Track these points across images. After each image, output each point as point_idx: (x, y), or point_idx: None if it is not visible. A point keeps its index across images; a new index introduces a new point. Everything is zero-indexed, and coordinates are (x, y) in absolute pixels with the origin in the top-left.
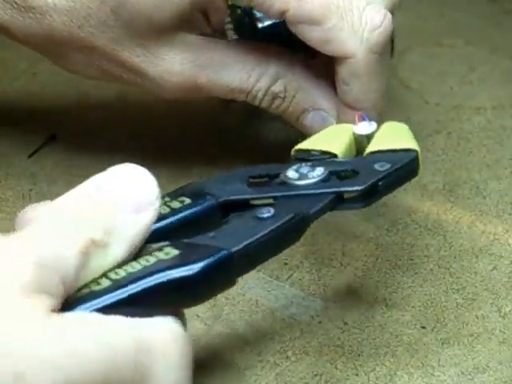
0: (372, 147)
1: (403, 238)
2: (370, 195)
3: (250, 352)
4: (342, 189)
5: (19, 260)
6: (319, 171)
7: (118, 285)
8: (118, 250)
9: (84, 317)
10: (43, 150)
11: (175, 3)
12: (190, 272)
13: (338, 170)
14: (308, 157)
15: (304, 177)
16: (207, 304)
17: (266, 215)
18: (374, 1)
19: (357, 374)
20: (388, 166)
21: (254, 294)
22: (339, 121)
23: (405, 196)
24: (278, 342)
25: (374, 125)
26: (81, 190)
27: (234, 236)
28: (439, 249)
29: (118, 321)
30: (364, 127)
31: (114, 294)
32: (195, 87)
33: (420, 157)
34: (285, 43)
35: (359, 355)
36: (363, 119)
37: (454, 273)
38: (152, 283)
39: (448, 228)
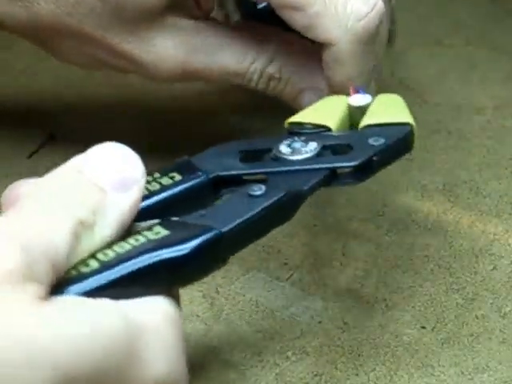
0: (366, 120)
1: (403, 238)
2: (364, 170)
3: (250, 352)
4: (336, 164)
5: (5, 245)
6: (312, 146)
7: (106, 266)
8: (106, 229)
9: (74, 302)
10: (43, 150)
11: None
12: (181, 252)
13: (331, 145)
14: (301, 130)
15: (297, 152)
16: (207, 304)
17: (257, 193)
18: None
19: (357, 374)
20: (382, 140)
21: (254, 294)
22: None
23: (405, 196)
24: (277, 342)
25: (368, 97)
26: (64, 170)
27: (225, 215)
28: (439, 249)
29: (108, 304)
30: (359, 99)
31: (103, 275)
32: (189, 72)
33: (415, 131)
34: (283, 24)
35: (359, 355)
36: (357, 91)
37: (454, 273)
38: (142, 264)
39: (448, 228)
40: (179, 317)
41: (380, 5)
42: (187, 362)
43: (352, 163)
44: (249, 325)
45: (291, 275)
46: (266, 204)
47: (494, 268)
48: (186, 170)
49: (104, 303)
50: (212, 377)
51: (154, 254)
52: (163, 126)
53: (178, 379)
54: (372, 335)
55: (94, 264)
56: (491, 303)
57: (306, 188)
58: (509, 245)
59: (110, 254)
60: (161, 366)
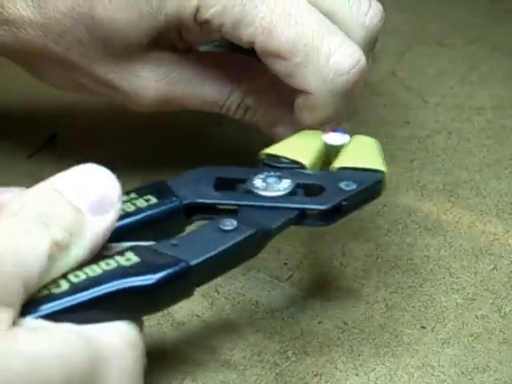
0: (341, 162)
1: (403, 238)
2: (333, 214)
3: (249, 352)
4: (306, 206)
5: None
6: (286, 183)
7: (76, 288)
8: (80, 251)
9: (42, 328)
10: (43, 150)
11: (149, 23)
12: (149, 281)
13: (304, 184)
14: (276, 163)
15: (270, 188)
16: (207, 304)
17: (228, 228)
18: (350, 35)
19: (357, 374)
20: (354, 186)
21: (253, 293)
22: None
23: (405, 196)
24: (277, 342)
25: (346, 137)
26: (43, 188)
27: (196, 247)
28: (439, 249)
29: (73, 331)
30: (335, 138)
31: (72, 297)
32: (170, 102)
33: (386, 178)
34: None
35: (359, 355)
36: (334, 130)
37: (454, 273)
38: (110, 289)
39: (448, 228)
40: (140, 341)
41: (362, 62)
42: None
43: (322, 207)
44: (249, 325)
45: (291, 275)
46: (236, 240)
47: (494, 268)
48: (162, 194)
49: (70, 328)
50: (212, 377)
51: (123, 280)
52: (163, 126)
53: None
54: (372, 335)
55: (64, 285)
56: (491, 303)
57: (274, 227)
58: (509, 245)
59: (82, 276)
60: None
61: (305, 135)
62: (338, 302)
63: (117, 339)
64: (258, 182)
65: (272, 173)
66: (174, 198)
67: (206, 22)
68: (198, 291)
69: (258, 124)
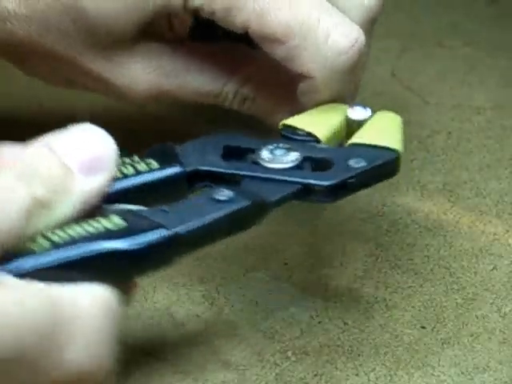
0: (355, 138)
1: (403, 238)
2: (338, 191)
3: (249, 352)
4: (310, 181)
5: None
6: (293, 156)
7: (55, 247)
8: (64, 210)
9: (7, 283)
10: None
11: (136, 13)
12: (128, 247)
13: (313, 158)
14: (292, 135)
15: (276, 160)
16: (207, 304)
17: (222, 198)
18: (349, 14)
19: (357, 374)
20: (363, 163)
21: (254, 294)
22: None
23: (405, 196)
24: (277, 342)
25: (368, 111)
26: (35, 145)
27: (185, 215)
28: (439, 249)
29: (39, 288)
30: (359, 112)
31: (50, 255)
32: (163, 94)
33: (401, 157)
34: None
35: (359, 355)
36: (354, 105)
37: (454, 273)
38: (89, 251)
39: (448, 228)
40: (115, 308)
41: (361, 39)
42: (116, 354)
43: (326, 183)
44: (249, 325)
45: (291, 275)
46: (227, 211)
47: (494, 268)
48: (166, 159)
49: (35, 286)
50: (212, 377)
51: (103, 243)
52: (163, 126)
53: (100, 370)
54: (372, 335)
55: (44, 243)
56: (491, 303)
57: (273, 199)
58: (509, 245)
59: (62, 235)
60: (83, 354)
61: (329, 108)
62: (338, 302)
63: (86, 300)
64: (264, 153)
65: (281, 145)
66: (178, 165)
67: (197, 9)
68: (198, 291)
69: (258, 113)
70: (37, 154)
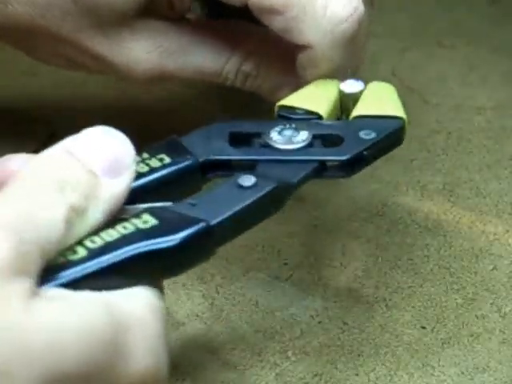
0: (358, 110)
1: (403, 238)
2: (354, 165)
3: (250, 352)
4: (327, 157)
5: None
6: (304, 135)
7: (94, 254)
8: (96, 215)
9: (61, 296)
10: (42, 150)
11: None
12: (169, 243)
13: (322, 135)
14: (292, 115)
15: (288, 141)
16: (207, 304)
17: (247, 184)
18: None
19: (357, 374)
20: (374, 134)
21: (254, 293)
22: None
23: (405, 196)
24: (278, 342)
25: (361, 83)
26: (55, 152)
27: (215, 206)
28: (439, 249)
29: (94, 298)
30: (351, 86)
31: (91, 263)
32: (164, 73)
33: (406, 124)
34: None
35: (359, 355)
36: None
37: (454, 273)
38: (130, 253)
39: (448, 228)
40: (162, 308)
41: (360, 9)
42: (168, 353)
43: (343, 157)
44: (249, 325)
45: (291, 275)
46: (256, 196)
47: (494, 268)
48: (176, 152)
49: (90, 296)
50: (212, 377)
51: (143, 244)
52: (163, 126)
53: (162, 370)
54: (372, 335)
55: (82, 251)
56: (491, 303)
57: (295, 180)
58: (509, 245)
59: (98, 241)
60: (146, 359)
61: (321, 84)
62: (338, 302)
63: (138, 306)
64: (274, 135)
65: (288, 125)
66: (189, 156)
67: None
68: (198, 291)
69: (261, 91)
70: (62, 162)
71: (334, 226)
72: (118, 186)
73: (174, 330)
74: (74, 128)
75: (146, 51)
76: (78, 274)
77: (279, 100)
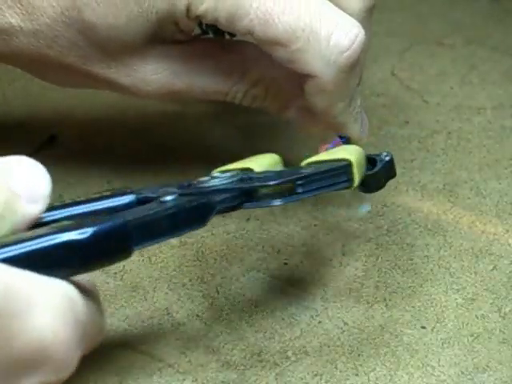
0: (309, 159)
1: (403, 238)
2: (287, 193)
3: (249, 352)
4: (256, 184)
5: None
6: (233, 173)
7: (4, 244)
8: (9, 226)
9: None
10: (43, 151)
11: (141, 23)
12: (82, 236)
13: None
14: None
15: (217, 177)
16: (207, 304)
17: (168, 198)
18: (347, 9)
19: (357, 374)
20: (311, 169)
21: (253, 294)
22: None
23: (405, 196)
24: (277, 342)
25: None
26: None
27: (133, 212)
28: (439, 249)
29: None
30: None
31: (2, 250)
32: (172, 93)
33: (353, 166)
34: None
35: (359, 355)
36: (340, 137)
37: (454, 273)
38: (41, 245)
39: (448, 228)
40: (75, 297)
41: (361, 35)
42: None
43: (271, 182)
44: (249, 325)
45: (291, 275)
46: (171, 205)
47: (494, 268)
48: (118, 190)
49: None
50: (212, 377)
51: (55, 236)
52: (163, 127)
53: (63, 355)
54: (372, 335)
55: None
56: (491, 303)
57: (217, 199)
58: (509, 245)
59: (12, 237)
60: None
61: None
62: (338, 302)
63: (47, 291)
64: (205, 178)
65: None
66: (130, 192)
67: (200, 16)
68: (198, 291)
69: (268, 110)
70: None
71: (334, 226)
72: (33, 209)
73: (174, 330)
74: (74, 129)
75: (155, 73)
76: None
77: (291, 115)
